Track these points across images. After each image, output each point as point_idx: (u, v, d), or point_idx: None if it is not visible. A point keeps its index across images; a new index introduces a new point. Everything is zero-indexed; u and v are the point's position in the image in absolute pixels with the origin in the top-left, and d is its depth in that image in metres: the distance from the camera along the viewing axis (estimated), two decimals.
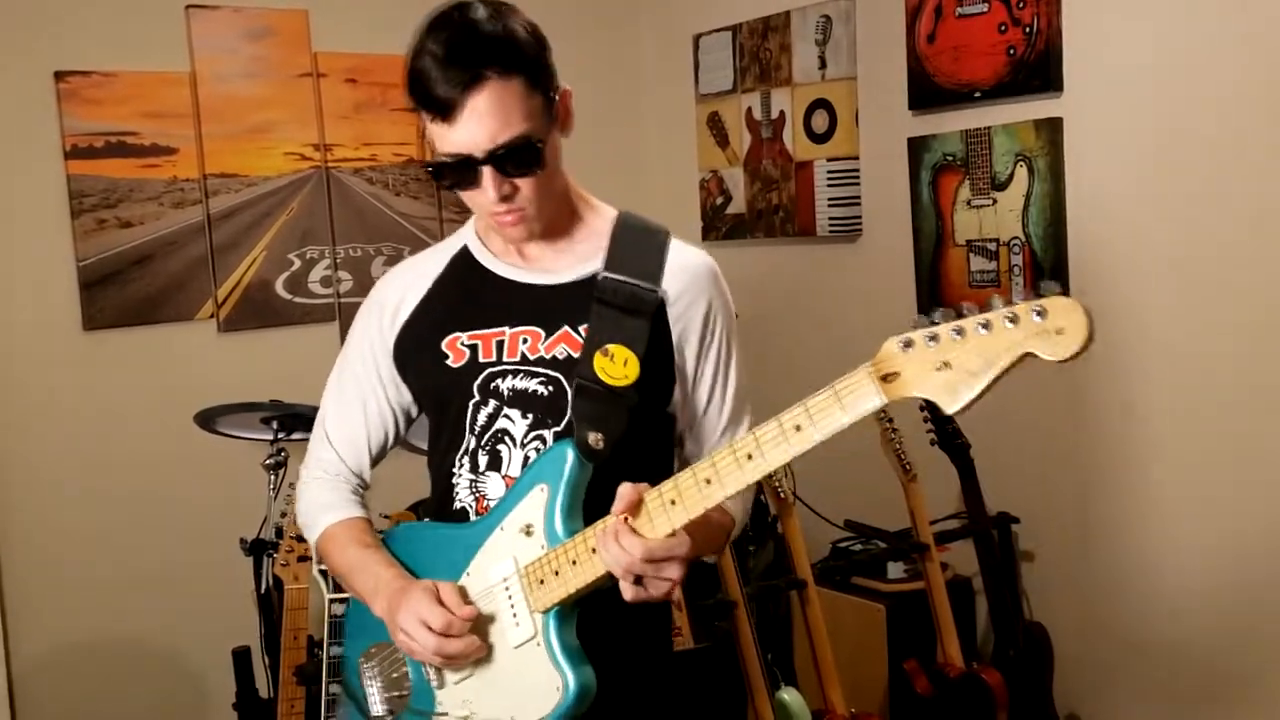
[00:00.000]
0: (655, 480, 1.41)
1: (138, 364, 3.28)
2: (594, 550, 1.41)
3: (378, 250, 3.64)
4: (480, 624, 1.49)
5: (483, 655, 1.50)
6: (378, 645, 1.60)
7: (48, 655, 3.15)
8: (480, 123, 1.44)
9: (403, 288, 1.69)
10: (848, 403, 1.23)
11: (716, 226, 3.99)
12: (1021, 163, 3.09)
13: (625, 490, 1.40)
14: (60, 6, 3.17)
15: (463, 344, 1.61)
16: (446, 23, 1.46)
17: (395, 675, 1.59)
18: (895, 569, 3.29)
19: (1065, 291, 1.14)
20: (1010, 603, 3.11)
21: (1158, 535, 2.97)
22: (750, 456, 1.31)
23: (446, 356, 1.61)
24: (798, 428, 1.26)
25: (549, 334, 1.57)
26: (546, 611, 1.45)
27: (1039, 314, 1.12)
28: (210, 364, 3.35)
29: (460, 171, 1.49)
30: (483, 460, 1.58)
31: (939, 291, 3.33)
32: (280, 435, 2.85)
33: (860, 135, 3.53)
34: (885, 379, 1.21)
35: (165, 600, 3.29)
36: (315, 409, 2.96)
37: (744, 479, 1.32)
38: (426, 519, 1.74)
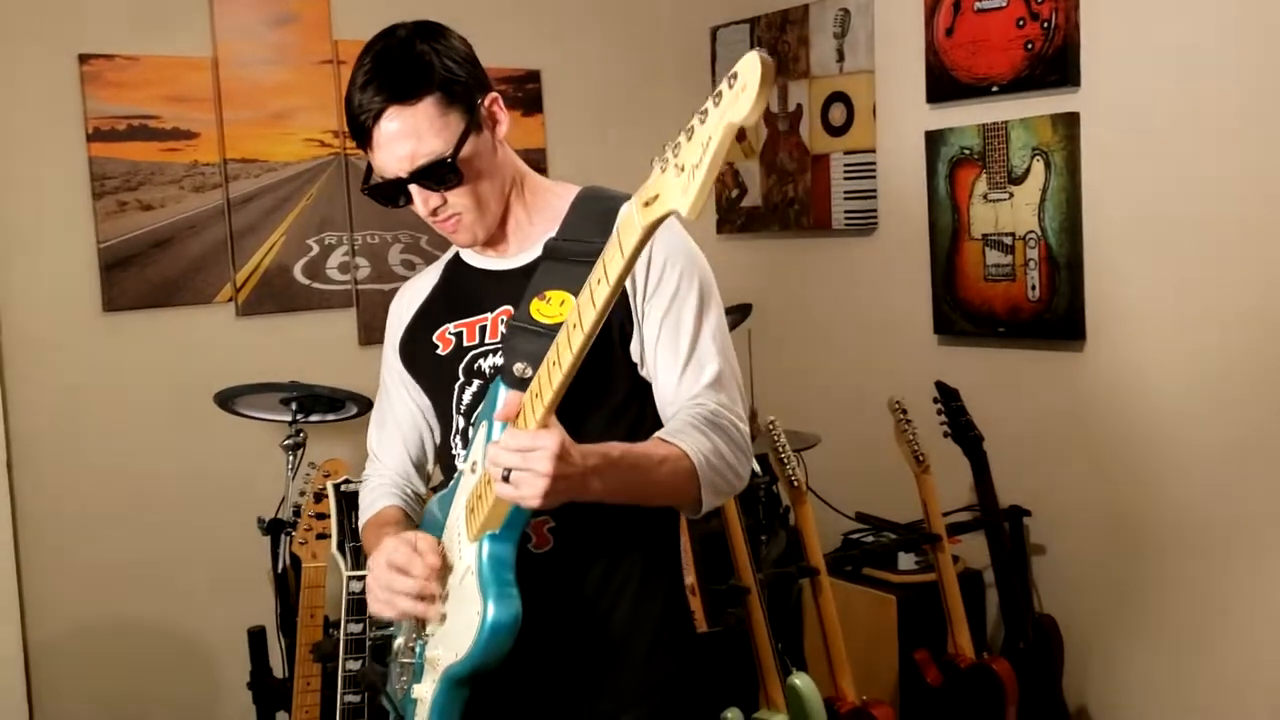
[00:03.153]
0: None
1: (157, 346, 3.30)
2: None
3: (395, 238, 3.66)
4: (446, 572, 1.51)
5: (440, 605, 1.51)
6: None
7: (64, 635, 3.18)
8: (391, 147, 1.54)
9: (406, 298, 1.82)
10: (624, 240, 1.20)
11: (732, 219, 4.00)
12: (1038, 157, 3.11)
13: (506, 397, 1.43)
14: None
15: (450, 333, 1.71)
16: (366, 52, 1.58)
17: (404, 648, 1.64)
18: (906, 560, 3.31)
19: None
20: (1021, 595, 3.13)
21: (1169, 527, 2.98)
22: (574, 326, 1.28)
23: (436, 347, 1.72)
24: (599, 281, 1.23)
25: (519, 309, 1.61)
26: (478, 540, 1.45)
27: (731, 80, 1.04)
28: (228, 347, 3.38)
29: (390, 191, 1.58)
30: (471, 434, 1.62)
31: (954, 285, 3.34)
32: (299, 416, 2.87)
33: (877, 128, 3.54)
34: (647, 204, 1.18)
35: (180, 581, 3.31)
36: (334, 391, 3.01)
37: (573, 347, 1.27)
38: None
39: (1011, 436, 3.23)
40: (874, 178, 3.57)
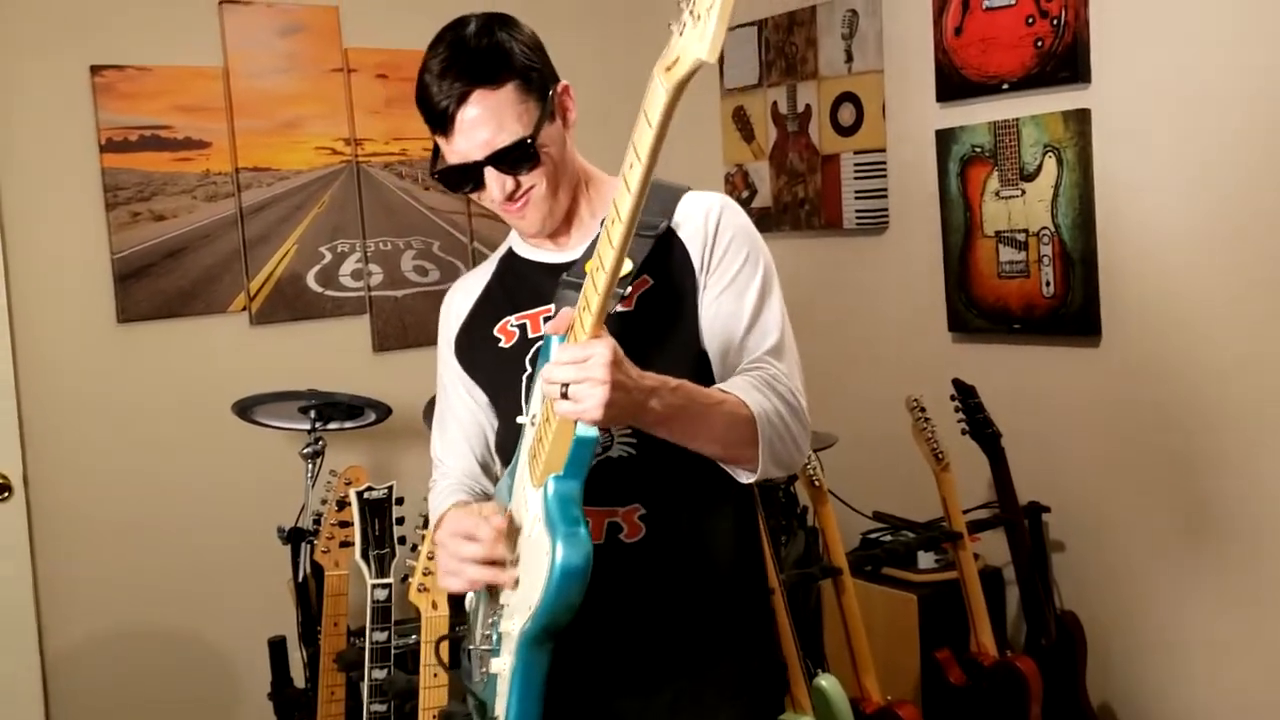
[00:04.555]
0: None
1: (171, 356, 3.30)
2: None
3: (407, 244, 3.66)
4: (515, 537, 1.46)
5: (512, 570, 1.46)
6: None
7: (81, 646, 3.17)
8: (473, 132, 1.55)
9: (459, 297, 1.80)
10: (650, 111, 1.19)
11: None
12: (1050, 154, 3.11)
13: (553, 320, 1.42)
14: (97, 1, 3.19)
15: (512, 325, 1.69)
16: (440, 41, 1.59)
17: (483, 650, 1.58)
18: (926, 559, 3.30)
19: None
20: (1042, 592, 3.12)
21: (1189, 522, 2.97)
22: (613, 221, 1.27)
23: (499, 340, 1.69)
24: (631, 165, 1.22)
25: (573, 269, 1.62)
26: (542, 486, 1.39)
27: None
28: (242, 356, 3.37)
29: (465, 175, 1.59)
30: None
31: (968, 283, 3.34)
32: (318, 424, 2.87)
33: (887, 128, 3.54)
34: (669, 69, 1.17)
35: (198, 591, 3.30)
36: (353, 398, 3.01)
37: (614, 242, 1.26)
38: None
39: (1028, 433, 3.23)
40: (884, 177, 3.58)
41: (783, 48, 3.81)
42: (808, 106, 3.75)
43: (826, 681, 2.69)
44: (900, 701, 2.86)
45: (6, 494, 3.02)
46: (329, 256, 3.54)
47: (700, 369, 1.59)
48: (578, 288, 1.49)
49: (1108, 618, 3.16)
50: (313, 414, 2.89)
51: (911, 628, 3.21)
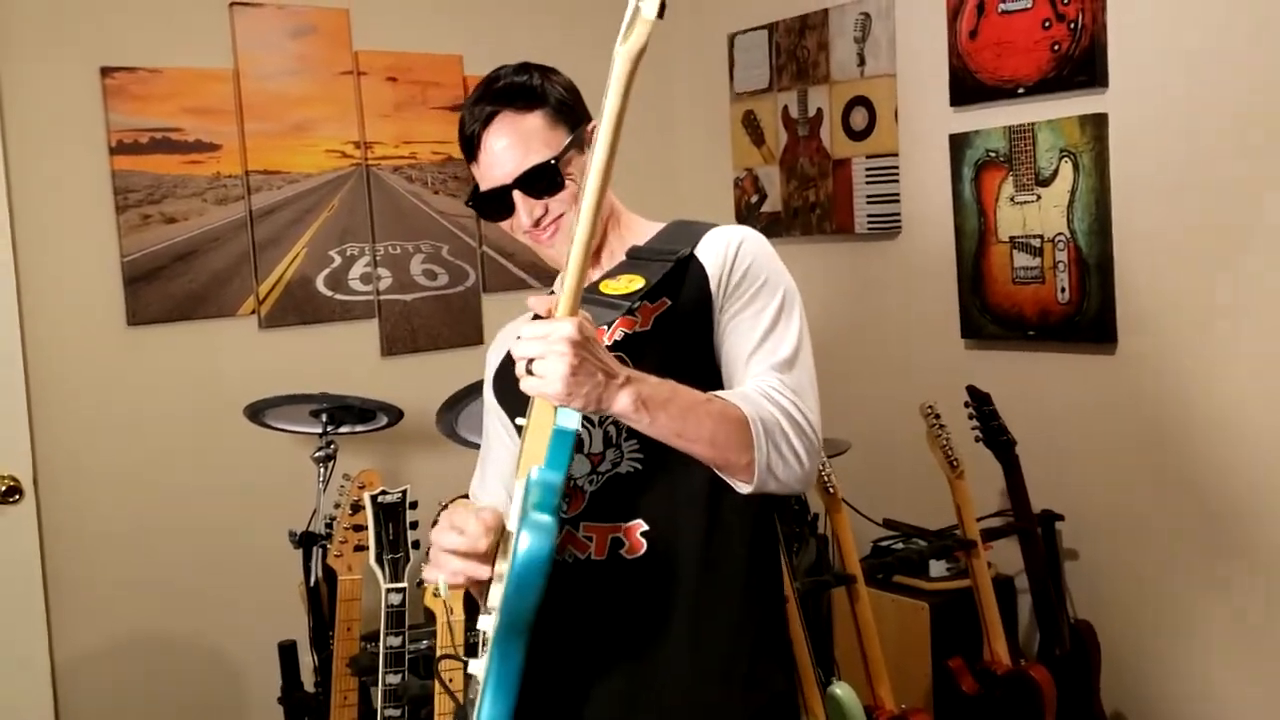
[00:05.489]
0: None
1: (181, 360, 3.28)
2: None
3: (416, 248, 3.65)
4: (507, 540, 1.44)
5: (488, 566, 1.45)
6: None
7: (90, 648, 3.15)
8: (502, 152, 1.61)
9: (500, 341, 1.83)
10: (611, 83, 1.27)
11: (751, 225, 3.97)
12: (1066, 158, 3.09)
13: (540, 297, 1.45)
14: (107, 3, 3.18)
15: None
16: (484, 78, 1.69)
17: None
18: (938, 567, 3.28)
19: None
20: (1055, 601, 3.10)
21: (1203, 531, 2.95)
22: (580, 191, 1.32)
23: None
24: (594, 126, 1.31)
25: (611, 325, 1.60)
26: (526, 477, 1.37)
27: None
28: (252, 360, 3.36)
29: (495, 201, 1.64)
30: None
31: (982, 288, 3.33)
32: (329, 428, 2.85)
33: (900, 132, 3.53)
34: (624, 39, 1.25)
35: (207, 594, 3.29)
36: (365, 402, 2.99)
37: (588, 206, 1.29)
38: None
39: (1042, 440, 3.21)
40: (897, 181, 3.56)
41: (794, 51, 3.79)
42: (819, 110, 3.74)
43: (841, 690, 2.68)
44: (914, 710, 2.84)
45: (17, 497, 3.01)
46: (338, 260, 3.53)
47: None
48: (591, 303, 1.51)
49: (1122, 627, 3.14)
50: (324, 417, 2.87)
51: (923, 636, 3.19)
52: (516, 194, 1.62)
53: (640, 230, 1.73)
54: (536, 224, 1.64)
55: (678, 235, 1.68)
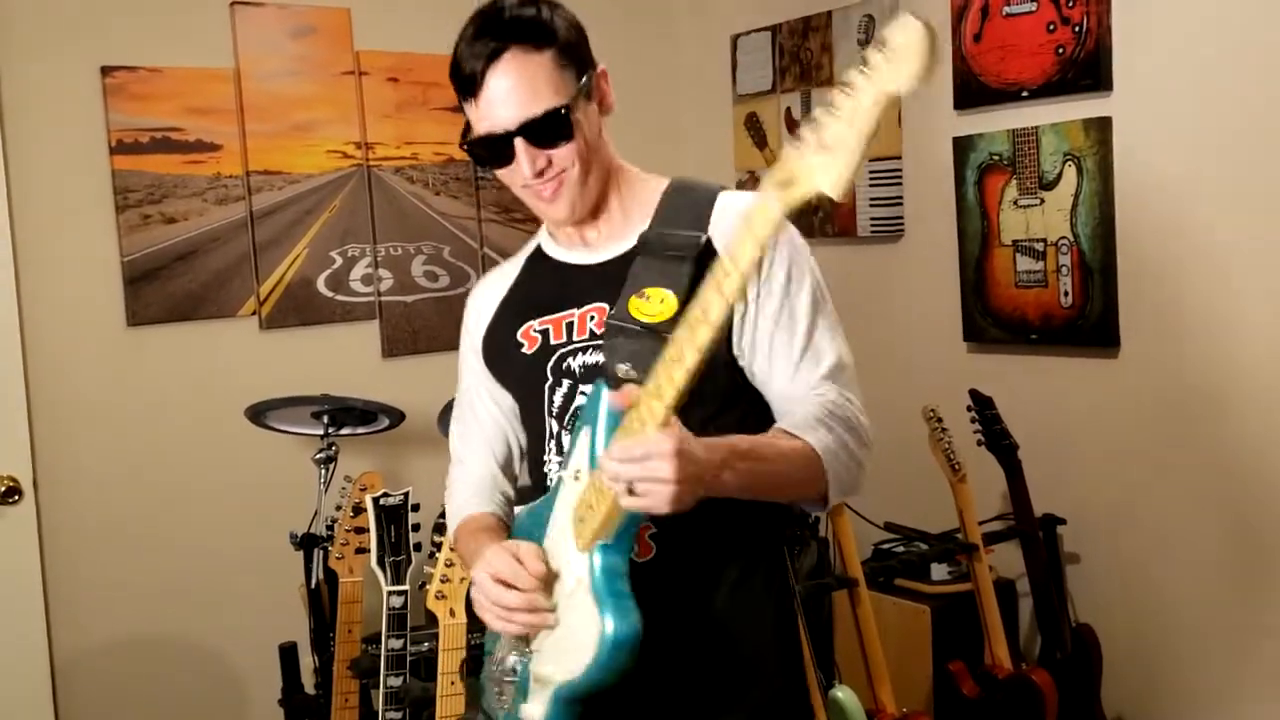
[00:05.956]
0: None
1: (180, 360, 3.27)
2: None
3: (418, 249, 3.64)
4: (551, 582, 1.45)
5: (551, 615, 1.45)
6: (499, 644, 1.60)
7: (90, 649, 3.14)
8: (507, 95, 1.48)
9: (485, 295, 1.74)
10: (757, 225, 1.17)
11: None
12: (1070, 162, 3.08)
13: (614, 395, 1.37)
14: (108, 2, 3.17)
15: (535, 330, 1.64)
16: (480, 10, 1.53)
17: (505, 664, 1.57)
18: (939, 570, 3.28)
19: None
20: (1057, 605, 3.10)
21: (1205, 535, 2.95)
22: (699, 322, 1.23)
23: (521, 345, 1.65)
24: (726, 274, 1.19)
25: (613, 305, 1.56)
26: (589, 551, 1.39)
27: (882, 48, 1.02)
28: (252, 361, 3.35)
29: (494, 147, 1.51)
30: (566, 441, 1.57)
31: (985, 292, 3.32)
32: (331, 430, 2.84)
33: (903, 135, 3.52)
34: (783, 186, 1.15)
35: (208, 596, 3.28)
36: (367, 404, 2.99)
37: (697, 342, 1.22)
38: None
39: (1044, 444, 3.20)
40: (900, 184, 3.55)
41: (797, 53, 3.79)
42: None
43: (843, 693, 2.67)
44: (915, 713, 2.84)
45: (16, 498, 2.99)
46: (339, 261, 3.52)
47: (741, 389, 1.57)
48: (625, 332, 1.46)
49: (1123, 631, 3.13)
50: (326, 419, 2.87)
51: (924, 639, 3.19)
52: (519, 142, 1.49)
53: (640, 192, 1.63)
54: (539, 174, 1.52)
55: (680, 208, 1.59)
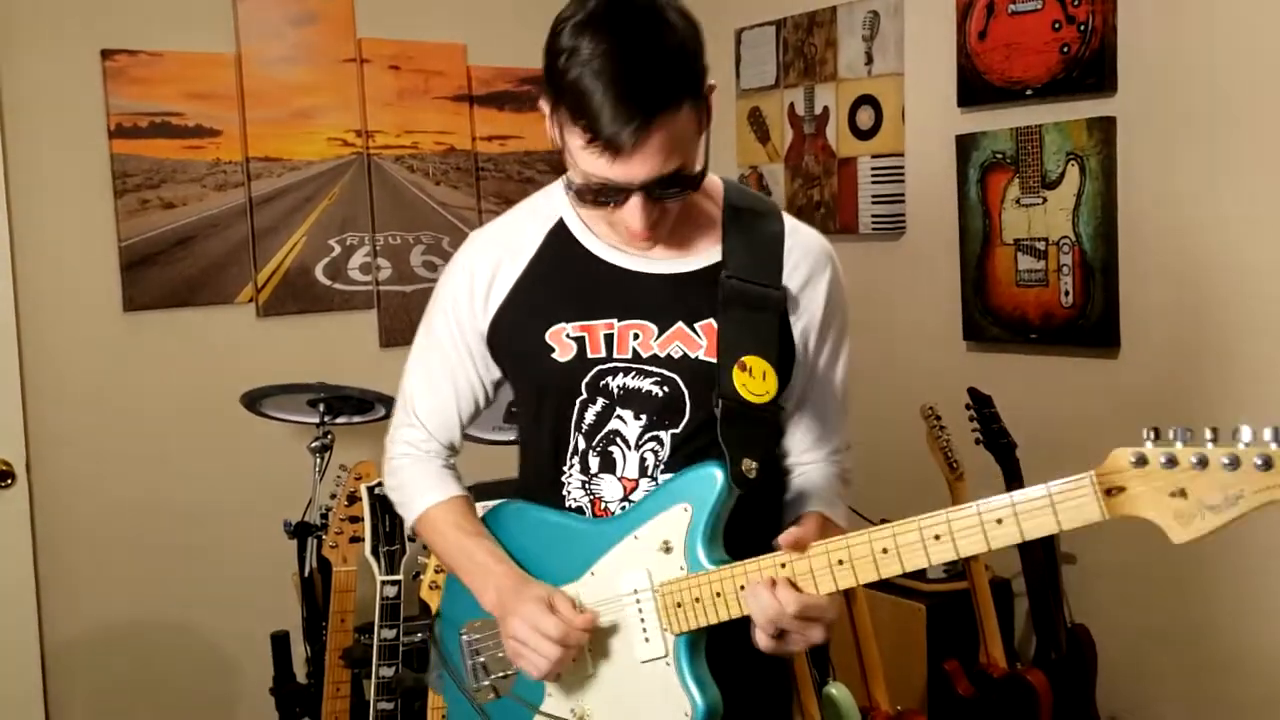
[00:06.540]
0: (769, 480, 1.46)
1: (177, 346, 3.26)
2: (742, 588, 1.39)
3: (416, 239, 3.62)
4: (601, 632, 1.46)
5: (599, 662, 1.48)
6: (483, 621, 1.56)
7: (81, 635, 3.14)
8: (644, 164, 1.36)
9: (495, 260, 1.59)
10: (1064, 510, 1.20)
11: None
12: (1073, 161, 3.07)
13: (788, 538, 1.39)
14: None
15: (568, 336, 1.52)
16: (617, 33, 1.34)
17: (500, 655, 1.53)
18: (935, 569, 3.27)
19: None
20: (1053, 604, 3.09)
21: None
22: (938, 538, 1.28)
23: (551, 350, 1.53)
24: (999, 521, 1.22)
25: (662, 330, 1.50)
26: (680, 635, 1.44)
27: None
28: (249, 348, 3.34)
29: (607, 195, 1.41)
30: (594, 462, 1.54)
31: (985, 290, 3.31)
32: (326, 419, 2.83)
33: (906, 132, 3.51)
34: (1109, 492, 1.17)
35: (201, 584, 3.27)
36: (363, 392, 2.97)
37: (926, 559, 1.29)
38: (521, 501, 1.65)
39: (1043, 443, 3.19)
40: (902, 181, 3.54)
41: (801, 48, 3.77)
42: (825, 109, 3.72)
43: (837, 690, 2.66)
44: (909, 712, 2.83)
45: (9, 481, 2.98)
46: (338, 249, 3.51)
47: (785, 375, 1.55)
48: (739, 417, 1.44)
49: (1119, 631, 3.13)
50: (322, 407, 2.85)
51: (919, 638, 3.18)
52: (638, 197, 1.39)
53: (699, 201, 1.53)
54: (653, 225, 1.42)
55: (750, 240, 1.51)
